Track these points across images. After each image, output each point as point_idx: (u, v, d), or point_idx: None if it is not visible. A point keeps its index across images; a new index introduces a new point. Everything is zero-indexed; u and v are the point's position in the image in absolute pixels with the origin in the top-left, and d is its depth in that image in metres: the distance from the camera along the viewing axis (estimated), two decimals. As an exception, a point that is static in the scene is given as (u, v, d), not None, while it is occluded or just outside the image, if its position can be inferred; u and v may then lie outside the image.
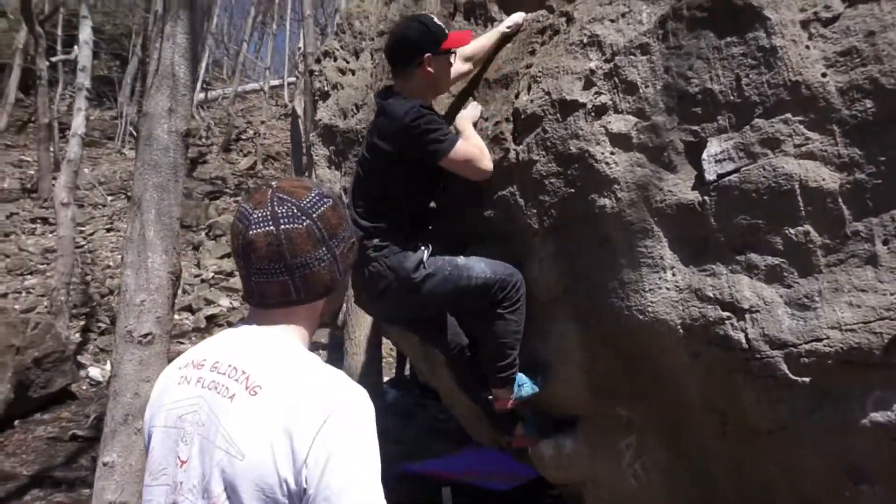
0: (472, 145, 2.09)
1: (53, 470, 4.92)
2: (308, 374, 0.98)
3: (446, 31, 2.13)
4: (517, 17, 2.38)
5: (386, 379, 6.81)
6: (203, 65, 18.83)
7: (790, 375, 1.67)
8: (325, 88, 2.81)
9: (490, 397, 2.33)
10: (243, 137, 17.93)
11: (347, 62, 2.78)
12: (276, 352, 1.01)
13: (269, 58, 21.80)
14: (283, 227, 1.00)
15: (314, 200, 1.04)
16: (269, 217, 1.00)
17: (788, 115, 1.73)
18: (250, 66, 23.25)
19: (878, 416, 1.58)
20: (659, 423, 2.13)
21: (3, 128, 14.70)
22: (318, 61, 2.94)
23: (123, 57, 17.23)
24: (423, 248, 2.10)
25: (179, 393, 1.03)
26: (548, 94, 2.04)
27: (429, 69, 2.10)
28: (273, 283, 1.02)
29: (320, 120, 2.78)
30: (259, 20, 22.63)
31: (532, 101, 2.08)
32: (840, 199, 1.66)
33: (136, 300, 3.11)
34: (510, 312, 2.13)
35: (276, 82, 20.46)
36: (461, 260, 2.12)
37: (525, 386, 2.28)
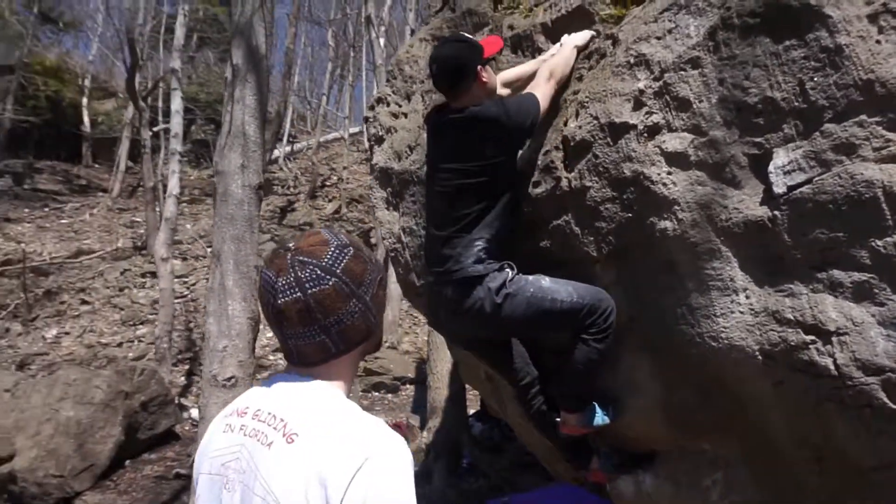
0: (548, 85, 2.14)
1: (160, 508, 5.21)
2: (344, 422, 0.97)
3: (480, 42, 2.20)
4: (586, 34, 2.29)
5: (471, 412, 6.73)
6: (287, 120, 20.04)
7: (890, 405, 1.49)
8: (380, 133, 2.89)
9: (558, 419, 2.24)
10: (328, 184, 18.78)
11: (400, 106, 2.86)
12: (315, 400, 1.01)
13: (348, 107, 22.85)
14: (309, 291, 1.00)
15: (335, 256, 1.04)
16: (293, 284, 1.00)
17: (863, 117, 1.58)
18: (331, 117, 24.47)
19: None
20: (747, 458, 1.95)
21: (117, 194, 16.27)
22: (371, 108, 3.03)
23: (217, 121, 18.64)
24: (507, 268, 2.05)
25: (223, 441, 1.05)
26: (596, 118, 1.99)
27: (483, 80, 2.16)
28: (311, 343, 1.03)
29: (376, 164, 2.85)
30: (337, 73, 23.87)
31: (580, 126, 2.03)
32: (932, 204, 1.49)
33: (219, 346, 3.28)
34: (596, 340, 2.01)
35: (355, 129, 21.36)
36: (546, 282, 2.03)
37: (597, 416, 2.17)
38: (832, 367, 1.57)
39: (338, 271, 1.03)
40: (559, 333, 2.08)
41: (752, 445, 1.92)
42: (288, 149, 20.51)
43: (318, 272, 1.01)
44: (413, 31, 14.31)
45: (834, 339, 1.58)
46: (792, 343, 1.65)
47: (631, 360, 2.09)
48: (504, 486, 5.34)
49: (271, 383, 1.10)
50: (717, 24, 1.81)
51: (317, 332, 1.02)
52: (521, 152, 2.23)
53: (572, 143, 2.06)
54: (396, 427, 6.12)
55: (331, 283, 1.01)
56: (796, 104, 1.68)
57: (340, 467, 0.90)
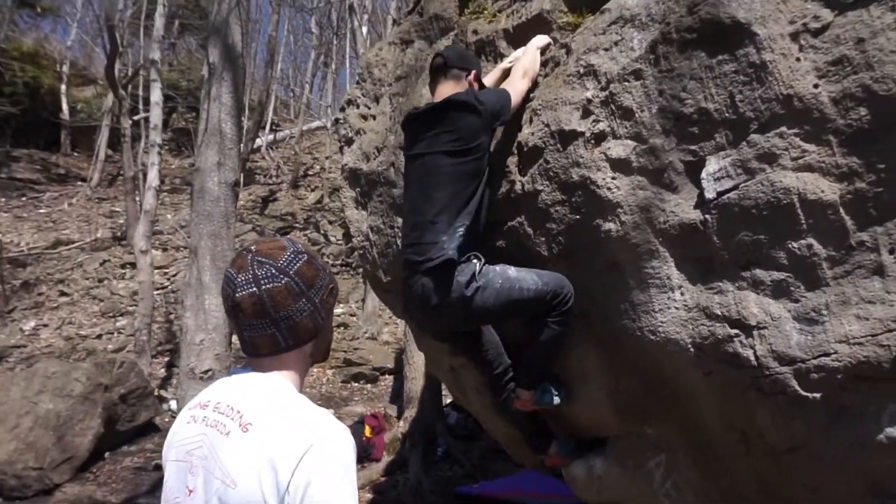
0: (517, 87, 2.26)
1: (139, 498, 5.31)
2: (293, 413, 1.10)
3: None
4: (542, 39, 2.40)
5: (447, 401, 6.88)
6: (270, 108, 19.92)
7: (801, 392, 1.64)
8: (350, 134, 2.99)
9: (513, 395, 2.37)
10: (310, 173, 18.74)
11: (369, 108, 2.96)
12: (268, 394, 1.14)
13: (331, 96, 22.77)
14: (264, 287, 1.13)
15: (290, 259, 1.17)
16: (251, 280, 1.13)
17: (784, 129, 1.72)
18: (315, 105, 24.35)
19: (894, 432, 1.53)
20: (685, 442, 2.11)
21: (96, 183, 16.11)
22: (342, 109, 3.13)
23: (198, 109, 18.48)
24: (475, 259, 2.11)
25: (188, 431, 1.17)
26: (547, 125, 2.11)
27: (472, 83, 2.33)
28: (263, 335, 1.15)
29: (346, 164, 2.95)
30: (320, 61, 23.74)
31: (533, 133, 2.16)
32: (841, 210, 1.63)
33: (196, 340, 3.38)
34: (557, 322, 2.14)
35: (338, 117, 21.30)
36: (512, 272, 2.12)
37: (548, 395, 2.32)
38: (752, 359, 1.72)
39: (291, 272, 1.15)
40: (529, 316, 2.18)
41: (688, 430, 2.07)
42: (270, 137, 20.40)
43: (273, 271, 1.14)
44: (395, 21, 14.33)
45: (755, 332, 1.73)
46: (719, 336, 1.80)
47: (581, 351, 2.23)
48: (476, 473, 5.50)
49: (229, 378, 1.24)
50: (657, 38, 1.94)
51: (268, 324, 1.14)
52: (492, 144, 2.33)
53: (525, 149, 2.18)
54: (373, 417, 6.25)
55: (283, 281, 1.14)
56: (727, 115, 1.82)
57: (288, 453, 1.03)
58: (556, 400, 2.31)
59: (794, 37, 1.72)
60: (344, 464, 1.06)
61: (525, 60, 2.33)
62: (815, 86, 1.67)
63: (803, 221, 1.67)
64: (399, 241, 2.57)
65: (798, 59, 1.71)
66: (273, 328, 1.14)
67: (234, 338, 4.30)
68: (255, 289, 1.12)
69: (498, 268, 2.13)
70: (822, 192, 1.65)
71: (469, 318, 2.20)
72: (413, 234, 2.17)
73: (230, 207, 3.52)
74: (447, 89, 2.28)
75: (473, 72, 2.35)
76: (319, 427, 1.07)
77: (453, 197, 2.11)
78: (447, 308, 2.10)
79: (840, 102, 1.64)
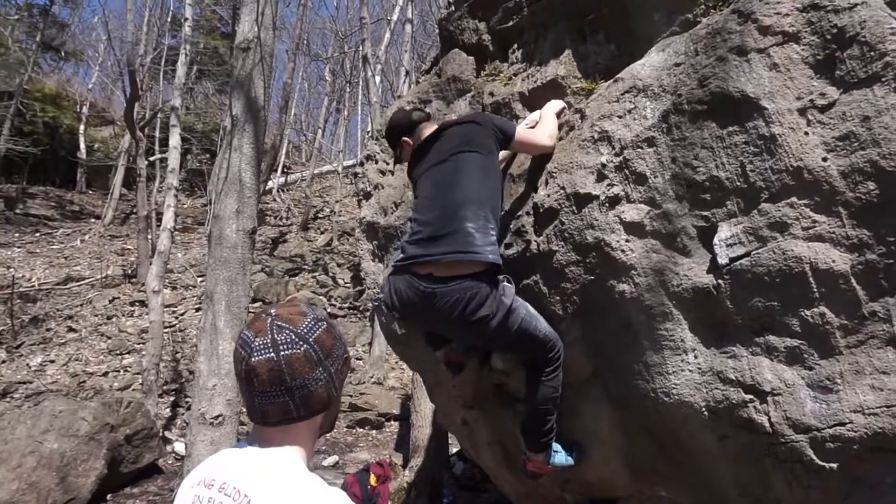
0: (532, 131, 2.36)
1: (139, 545, 5.20)
2: (304, 498, 1.03)
3: None
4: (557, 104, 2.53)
5: (454, 451, 6.79)
6: (283, 151, 20.34)
7: (817, 461, 1.65)
8: (368, 189, 3.08)
9: (524, 457, 2.35)
10: (320, 216, 18.97)
11: (387, 163, 3.06)
12: (277, 474, 1.08)
13: (343, 140, 23.27)
14: (283, 353, 1.09)
15: (310, 325, 1.13)
16: (269, 344, 1.09)
17: (794, 199, 1.78)
18: (326, 150, 24.84)
19: (912, 505, 1.53)
20: (699, 507, 2.10)
21: (109, 221, 16.36)
22: (361, 164, 3.23)
23: (212, 151, 18.91)
24: (507, 281, 2.12)
25: None
26: (563, 188, 2.18)
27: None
28: (275, 404, 1.10)
29: (364, 217, 3.03)
30: (333, 107, 24.34)
31: (549, 195, 2.22)
32: (853, 280, 1.68)
33: (209, 385, 3.39)
34: (551, 378, 2.16)
35: (349, 162, 21.70)
36: (531, 308, 2.15)
37: (559, 454, 2.30)
38: (767, 425, 1.73)
39: (311, 340, 1.12)
40: (529, 358, 2.21)
41: (702, 494, 2.06)
42: (282, 180, 20.76)
43: (294, 337, 1.11)
44: (407, 72, 14.75)
45: (769, 398, 1.75)
46: (733, 401, 1.82)
47: (596, 409, 2.24)
48: (484, 526, 5.38)
49: (235, 453, 1.16)
50: (669, 108, 2.02)
51: (282, 392, 1.09)
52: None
53: (541, 210, 2.24)
54: (379, 465, 6.16)
55: (303, 348, 1.10)
56: (738, 184, 1.88)
57: None
58: (569, 460, 2.31)
59: (802, 112, 1.80)
60: None
61: (551, 125, 2.41)
62: (824, 159, 1.74)
63: (815, 290, 1.71)
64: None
65: (806, 133, 1.78)
66: (287, 396, 1.10)
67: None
68: (272, 354, 1.09)
69: (521, 299, 2.16)
70: (833, 261, 1.69)
71: (487, 334, 2.11)
72: (428, 228, 2.11)
73: (247, 254, 3.58)
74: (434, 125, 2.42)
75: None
76: None
77: (480, 185, 2.12)
78: (479, 320, 2.02)
79: (849, 176, 1.70)
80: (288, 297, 13.12)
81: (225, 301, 3.46)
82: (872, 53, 1.71)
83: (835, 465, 1.63)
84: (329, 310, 12.54)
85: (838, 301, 1.69)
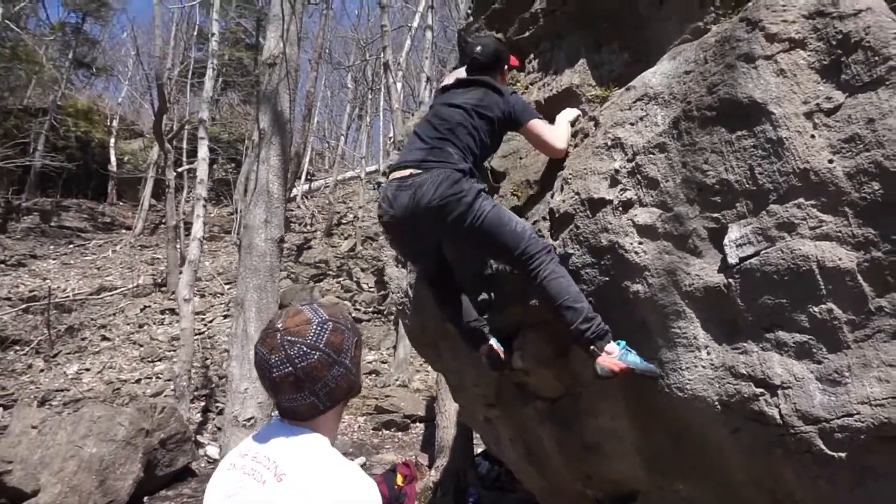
0: (549, 128, 2.52)
1: (176, 544, 5.38)
2: (326, 467, 1.17)
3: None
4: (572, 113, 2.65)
5: (478, 451, 6.86)
6: (306, 159, 20.68)
7: (826, 451, 1.71)
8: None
9: (593, 351, 2.09)
10: (344, 222, 19.22)
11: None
12: (303, 447, 1.22)
13: (365, 147, 23.55)
14: (299, 366, 1.20)
15: (317, 332, 1.24)
16: (285, 360, 1.21)
17: (801, 200, 1.84)
18: (349, 156, 25.16)
19: (919, 494, 1.58)
20: (715, 497, 2.16)
21: (139, 231, 16.80)
22: (384, 174, 3.34)
23: (238, 160, 19.33)
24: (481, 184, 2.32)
25: (229, 476, 1.28)
26: (577, 193, 2.27)
27: (504, 76, 2.71)
28: (303, 405, 1.23)
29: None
30: (355, 114, 24.66)
31: (564, 200, 2.31)
32: (859, 277, 1.73)
33: (241, 388, 3.54)
34: (549, 271, 2.14)
35: (371, 168, 21.98)
36: (507, 210, 2.34)
37: (633, 354, 2.08)
38: (778, 417, 1.80)
39: (321, 346, 1.23)
40: (502, 250, 2.24)
41: (718, 488, 2.12)
42: (306, 187, 21.09)
43: (305, 349, 1.21)
44: (428, 78, 14.90)
45: (779, 391, 1.81)
46: (745, 395, 1.88)
47: (611, 407, 2.32)
48: (509, 525, 5.45)
49: (269, 430, 1.31)
50: (679, 115, 2.10)
51: (307, 395, 1.22)
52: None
53: (557, 215, 2.33)
54: (405, 465, 6.26)
55: (316, 356, 1.22)
56: (747, 186, 1.95)
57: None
58: (650, 366, 2.07)
59: (809, 116, 1.86)
60: None
61: (564, 130, 2.54)
62: (830, 161, 1.80)
63: (823, 287, 1.77)
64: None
65: (813, 136, 1.85)
66: (313, 397, 1.23)
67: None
68: (291, 368, 1.20)
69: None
70: (840, 259, 1.75)
71: (457, 230, 2.21)
72: (414, 154, 2.34)
73: (275, 262, 3.72)
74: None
75: (504, 66, 2.70)
76: (349, 483, 1.16)
77: (467, 136, 2.36)
78: (442, 209, 2.18)
79: (854, 177, 1.76)
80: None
81: (255, 308, 3.61)
82: (877, 58, 1.77)
83: (843, 455, 1.68)
84: (354, 314, 12.71)
85: (845, 297, 1.74)
